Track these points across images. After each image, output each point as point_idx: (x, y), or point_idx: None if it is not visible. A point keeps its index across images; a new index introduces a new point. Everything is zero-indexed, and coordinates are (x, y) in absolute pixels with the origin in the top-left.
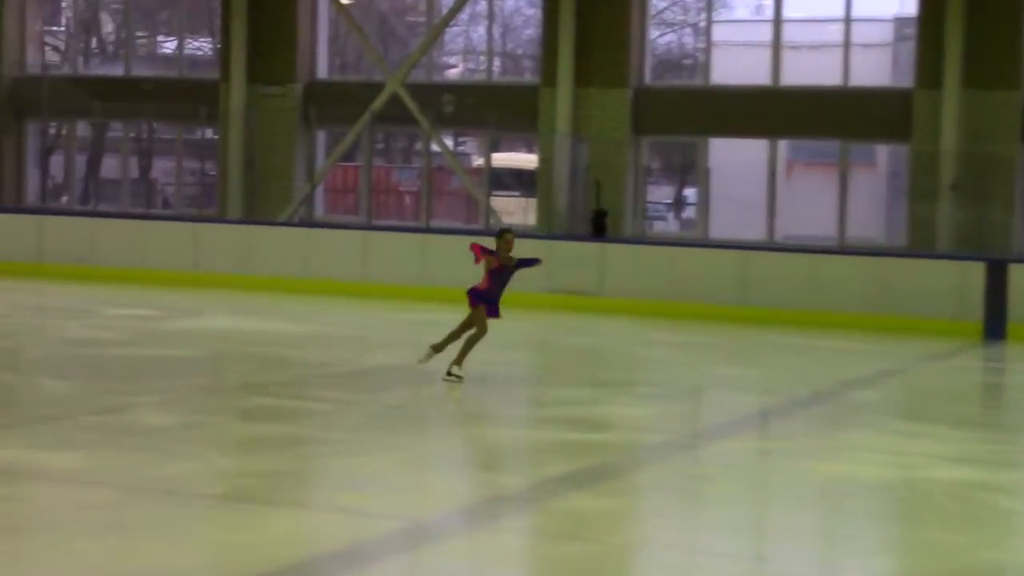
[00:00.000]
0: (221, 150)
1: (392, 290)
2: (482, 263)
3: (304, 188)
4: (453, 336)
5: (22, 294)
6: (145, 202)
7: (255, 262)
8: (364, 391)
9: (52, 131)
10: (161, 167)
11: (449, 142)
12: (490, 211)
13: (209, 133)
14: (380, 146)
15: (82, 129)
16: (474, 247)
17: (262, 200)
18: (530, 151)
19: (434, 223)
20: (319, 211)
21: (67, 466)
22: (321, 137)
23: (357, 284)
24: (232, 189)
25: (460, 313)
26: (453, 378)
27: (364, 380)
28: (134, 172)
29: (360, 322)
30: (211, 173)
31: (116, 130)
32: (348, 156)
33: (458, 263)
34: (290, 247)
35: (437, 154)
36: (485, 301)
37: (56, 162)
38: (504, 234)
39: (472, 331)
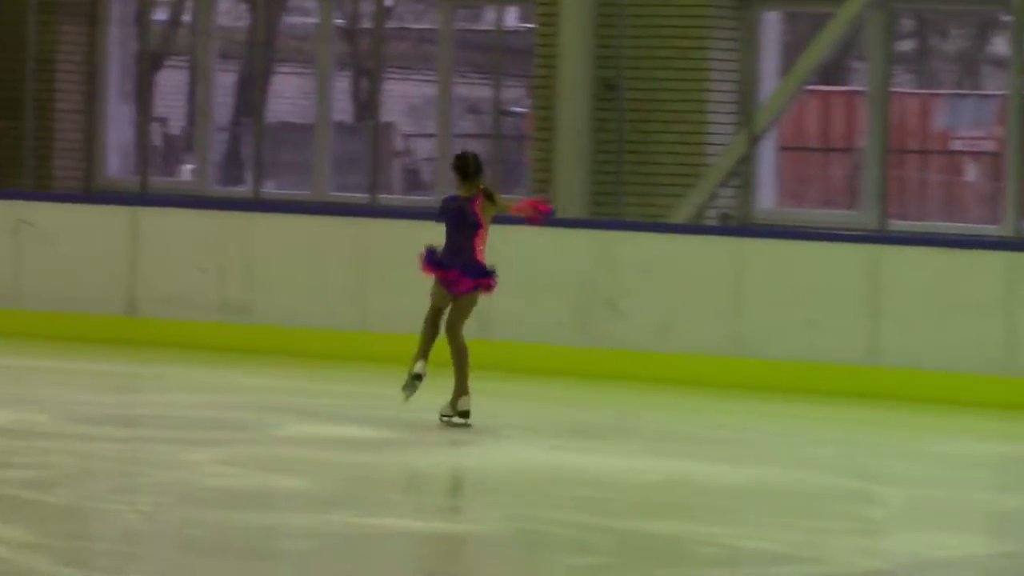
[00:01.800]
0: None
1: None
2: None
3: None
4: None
5: None
6: None
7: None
8: None
9: None
10: None
11: None
12: None
13: None
14: (903, 46)
15: None
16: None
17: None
18: None
19: None
20: (766, 201)
21: None
22: (771, 25)
23: (861, 369)
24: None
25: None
26: (455, 421)
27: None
28: None
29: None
30: None
31: None
32: (829, 72)
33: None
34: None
35: None
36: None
37: None
38: (470, 171)
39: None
